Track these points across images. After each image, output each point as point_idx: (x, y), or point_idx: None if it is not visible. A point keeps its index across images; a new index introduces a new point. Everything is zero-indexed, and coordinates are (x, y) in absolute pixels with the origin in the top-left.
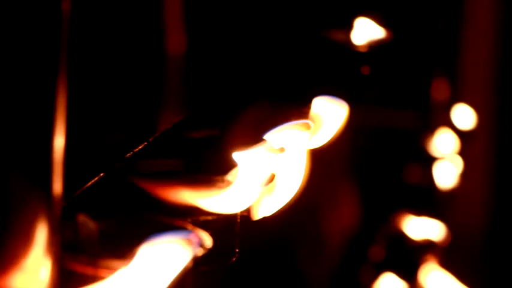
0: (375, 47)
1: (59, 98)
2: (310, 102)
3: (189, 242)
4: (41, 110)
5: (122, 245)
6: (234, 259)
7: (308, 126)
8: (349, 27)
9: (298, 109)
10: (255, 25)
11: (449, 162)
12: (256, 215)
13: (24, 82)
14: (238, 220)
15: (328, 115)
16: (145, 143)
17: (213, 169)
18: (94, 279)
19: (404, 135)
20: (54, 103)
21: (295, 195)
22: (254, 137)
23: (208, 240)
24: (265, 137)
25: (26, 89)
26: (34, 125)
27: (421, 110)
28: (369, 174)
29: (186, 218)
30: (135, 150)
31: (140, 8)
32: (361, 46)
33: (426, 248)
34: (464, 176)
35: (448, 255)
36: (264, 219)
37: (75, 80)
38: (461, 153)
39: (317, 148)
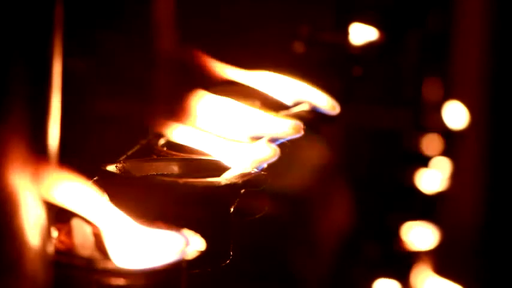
0: (367, 47)
1: (52, 100)
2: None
3: (182, 244)
4: (36, 110)
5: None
6: (228, 261)
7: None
8: (341, 28)
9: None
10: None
11: (440, 162)
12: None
13: (19, 83)
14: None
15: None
16: (139, 146)
17: (207, 170)
18: (88, 283)
19: (395, 135)
20: (48, 104)
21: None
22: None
23: (201, 243)
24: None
25: (19, 91)
26: (29, 125)
27: (413, 110)
28: (361, 175)
29: (180, 220)
30: (128, 153)
31: (132, 5)
32: (353, 47)
33: (419, 250)
34: (456, 176)
35: (440, 256)
36: (259, 219)
37: (67, 79)
38: (453, 153)
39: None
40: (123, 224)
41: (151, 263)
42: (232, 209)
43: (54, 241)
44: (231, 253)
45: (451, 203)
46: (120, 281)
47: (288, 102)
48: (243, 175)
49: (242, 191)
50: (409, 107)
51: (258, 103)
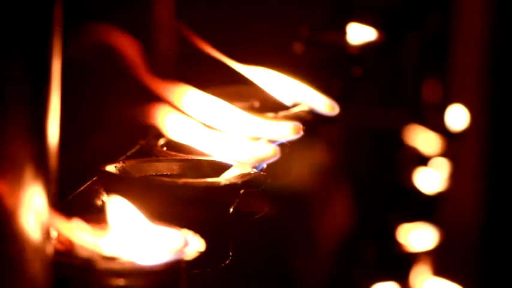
0: (367, 47)
1: (52, 100)
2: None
3: (182, 244)
4: (36, 110)
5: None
6: (228, 262)
7: (298, 129)
8: (341, 28)
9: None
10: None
11: (440, 163)
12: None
13: (16, 87)
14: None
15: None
16: (138, 146)
17: (207, 170)
18: (88, 283)
19: (395, 136)
20: (48, 104)
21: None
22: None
23: (200, 243)
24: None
25: (19, 91)
26: (29, 125)
27: (412, 110)
28: (360, 176)
29: (179, 220)
30: (128, 153)
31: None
32: (353, 47)
33: (418, 251)
34: (455, 177)
35: (440, 257)
36: (259, 219)
37: (67, 82)
38: (453, 154)
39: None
40: (122, 224)
41: (151, 263)
42: (232, 209)
43: (54, 241)
44: (231, 253)
45: (451, 204)
46: (120, 281)
47: (287, 103)
48: (243, 175)
49: (242, 191)
50: (409, 108)
51: (257, 103)
